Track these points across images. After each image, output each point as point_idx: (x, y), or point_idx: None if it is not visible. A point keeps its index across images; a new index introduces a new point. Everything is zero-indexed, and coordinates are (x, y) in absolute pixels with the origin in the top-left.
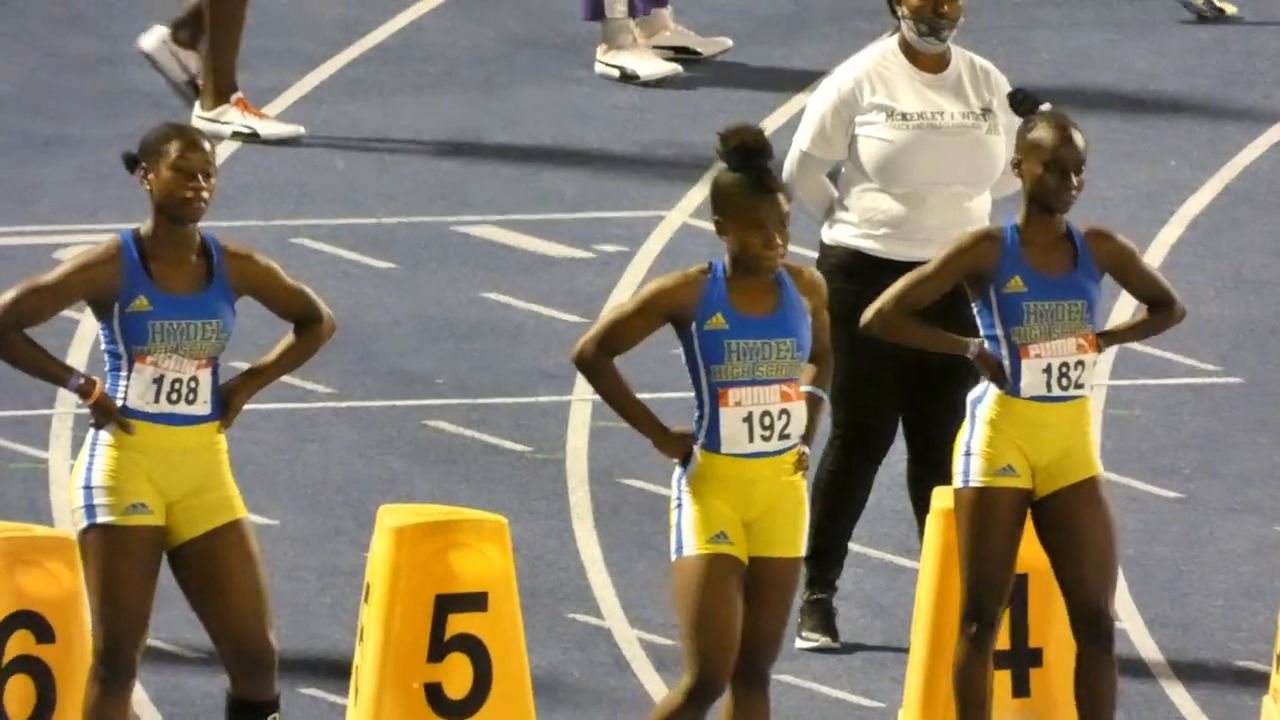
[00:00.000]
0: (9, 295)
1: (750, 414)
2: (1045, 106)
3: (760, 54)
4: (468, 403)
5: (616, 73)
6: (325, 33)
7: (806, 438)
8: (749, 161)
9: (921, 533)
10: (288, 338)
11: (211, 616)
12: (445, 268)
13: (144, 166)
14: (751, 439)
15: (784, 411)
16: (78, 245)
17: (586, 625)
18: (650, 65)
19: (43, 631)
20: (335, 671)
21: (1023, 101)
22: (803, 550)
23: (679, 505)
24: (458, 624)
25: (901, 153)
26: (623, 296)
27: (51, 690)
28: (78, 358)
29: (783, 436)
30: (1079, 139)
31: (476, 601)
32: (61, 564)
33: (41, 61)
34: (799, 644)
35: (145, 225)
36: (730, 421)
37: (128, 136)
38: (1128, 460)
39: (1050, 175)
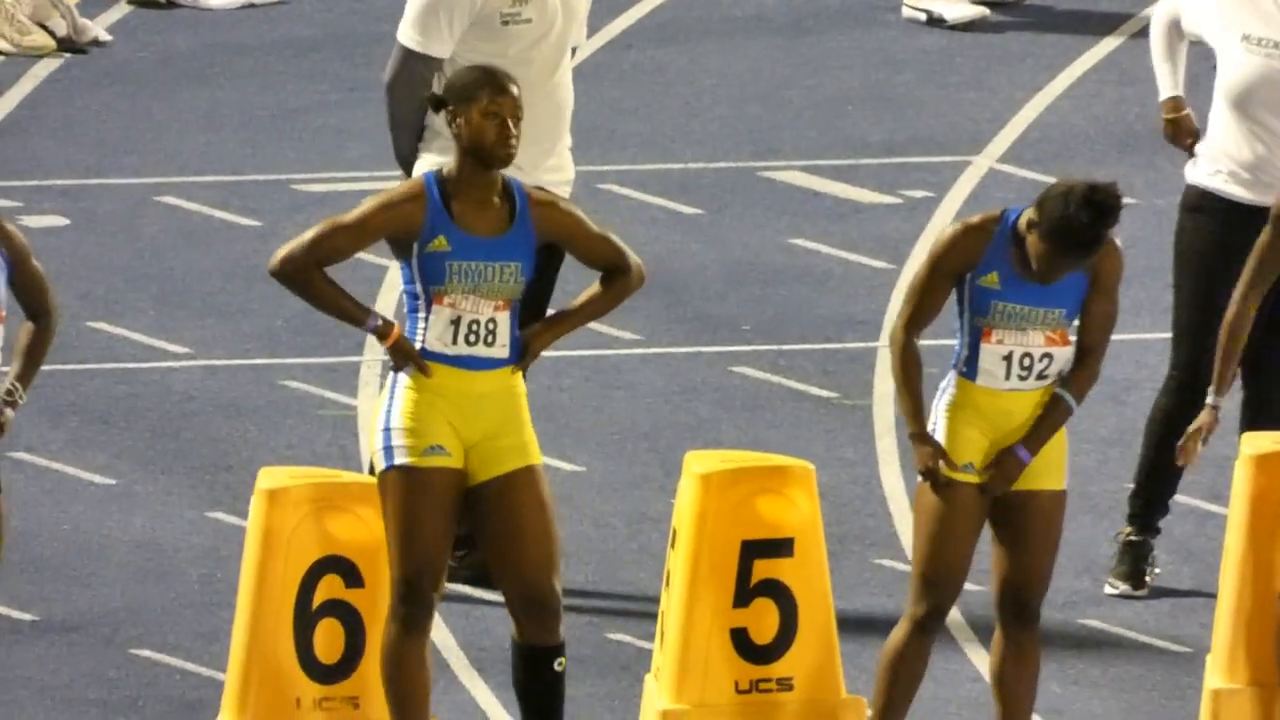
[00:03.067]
0: (311, 234)
1: (1011, 354)
2: None
3: None
4: (774, 348)
5: (923, 16)
6: None
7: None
8: (1100, 221)
9: None
10: (594, 285)
11: (499, 561)
12: (751, 213)
13: (451, 110)
14: (1009, 377)
15: (1045, 354)
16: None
17: (894, 570)
18: (957, 8)
19: (351, 576)
20: (642, 617)
21: None
22: (1064, 484)
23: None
24: (764, 569)
25: (1250, 81)
26: (928, 242)
27: (360, 634)
28: (385, 304)
29: (1040, 377)
30: None
31: (783, 547)
32: (370, 509)
33: (351, 7)
34: (1106, 589)
35: (449, 166)
36: (989, 357)
37: None
38: None
39: None
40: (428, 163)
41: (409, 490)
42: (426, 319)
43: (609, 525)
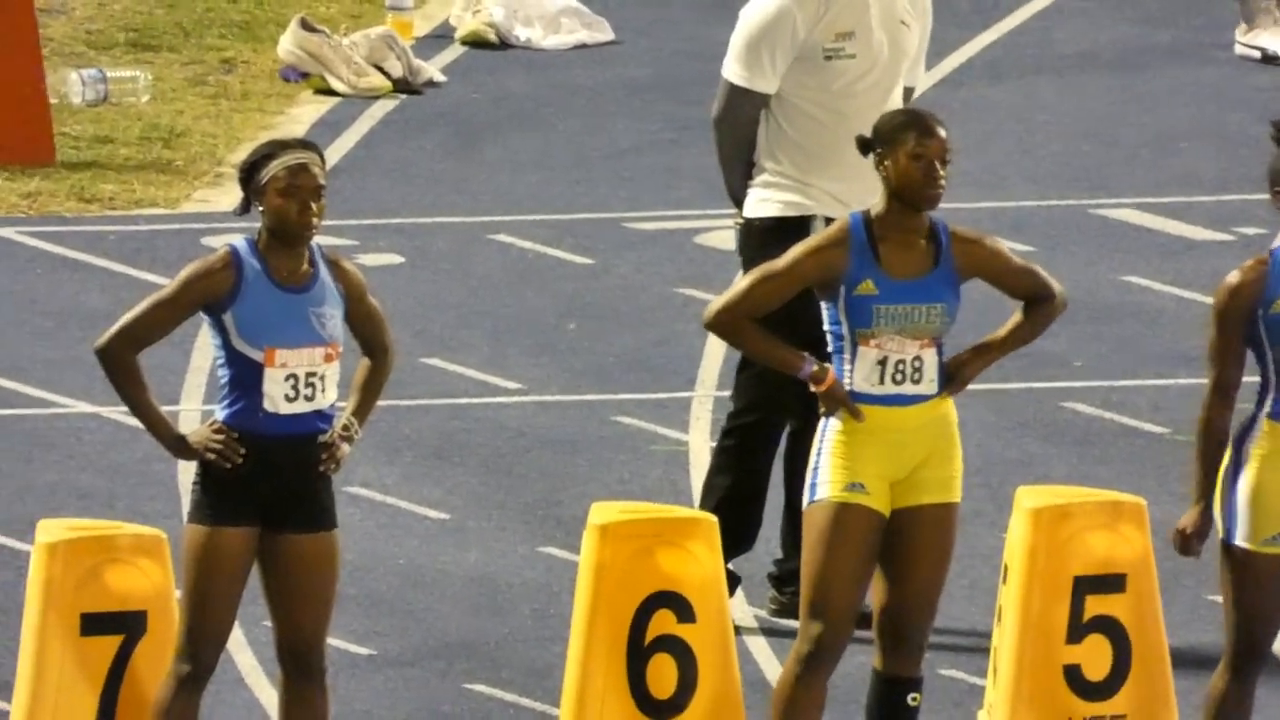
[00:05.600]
0: (742, 285)
1: None
2: None
3: None
4: (1106, 384)
5: (1257, 54)
6: (963, 16)
7: None
8: None
9: None
10: (1016, 314)
11: (881, 588)
12: (1084, 250)
13: (879, 153)
14: None
15: None
16: (720, 230)
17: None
18: None
19: (684, 612)
20: (974, 652)
21: None
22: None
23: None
24: (1096, 605)
25: None
26: None
27: (693, 669)
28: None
29: None
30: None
31: (1116, 583)
32: (702, 544)
33: (680, 48)
34: None
35: (876, 207)
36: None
37: None
38: None
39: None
40: (756, 198)
41: (826, 525)
42: (852, 361)
43: None
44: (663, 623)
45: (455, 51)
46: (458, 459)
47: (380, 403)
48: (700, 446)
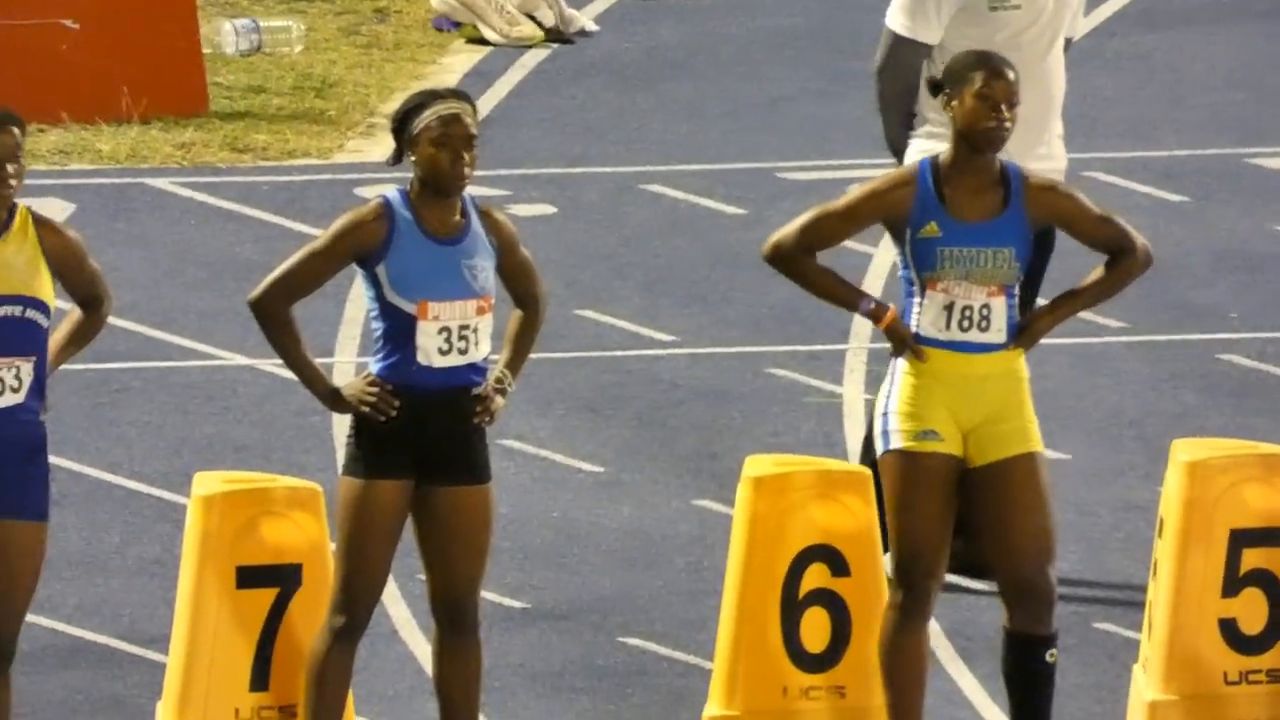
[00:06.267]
0: (801, 220)
1: None
2: None
3: None
4: (1262, 336)
5: None
6: None
7: None
8: None
9: None
10: (1098, 268)
11: (993, 547)
12: (1238, 200)
13: (947, 93)
14: None
15: None
16: (870, 179)
17: None
18: None
19: (838, 565)
20: (1129, 606)
21: None
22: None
23: None
24: (1254, 559)
25: None
26: None
27: (846, 624)
28: (873, 289)
29: None
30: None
31: (1273, 536)
32: (856, 498)
33: None
34: None
35: (945, 152)
36: None
37: None
38: None
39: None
40: (916, 149)
41: (904, 475)
42: (921, 304)
43: (1094, 513)
44: (816, 576)
45: (607, 1)
46: (611, 412)
47: (533, 355)
48: (854, 399)
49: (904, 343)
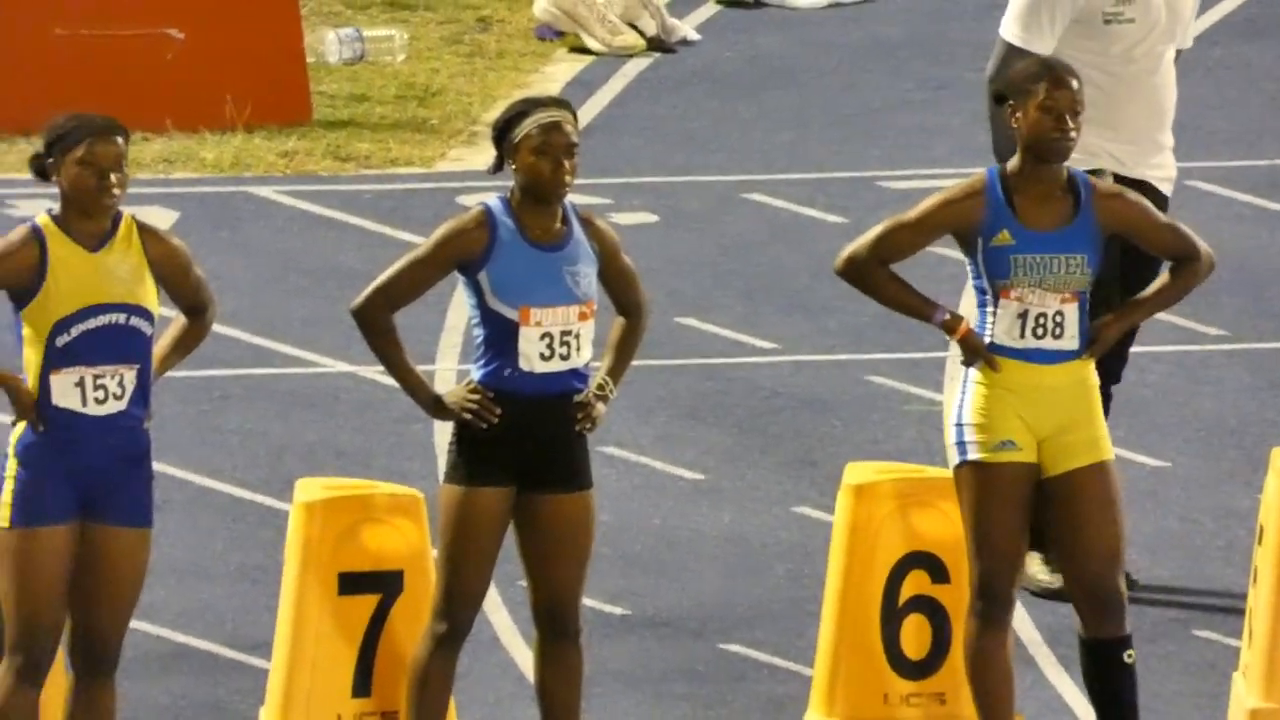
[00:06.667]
0: (874, 232)
1: None
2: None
3: None
4: None
5: None
6: None
7: None
8: None
9: None
10: (1163, 275)
11: (1064, 555)
12: None
13: (1012, 105)
14: None
15: None
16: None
17: None
18: None
19: (938, 572)
20: (1229, 613)
21: None
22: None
23: None
24: None
25: None
26: None
27: (947, 630)
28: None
29: None
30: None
31: None
32: (954, 505)
33: (936, 8)
34: None
35: (1011, 162)
36: None
37: None
38: None
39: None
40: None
41: (982, 486)
42: (994, 313)
43: (1195, 521)
44: (916, 583)
45: (709, 10)
46: (712, 419)
47: (634, 363)
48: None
49: (978, 353)
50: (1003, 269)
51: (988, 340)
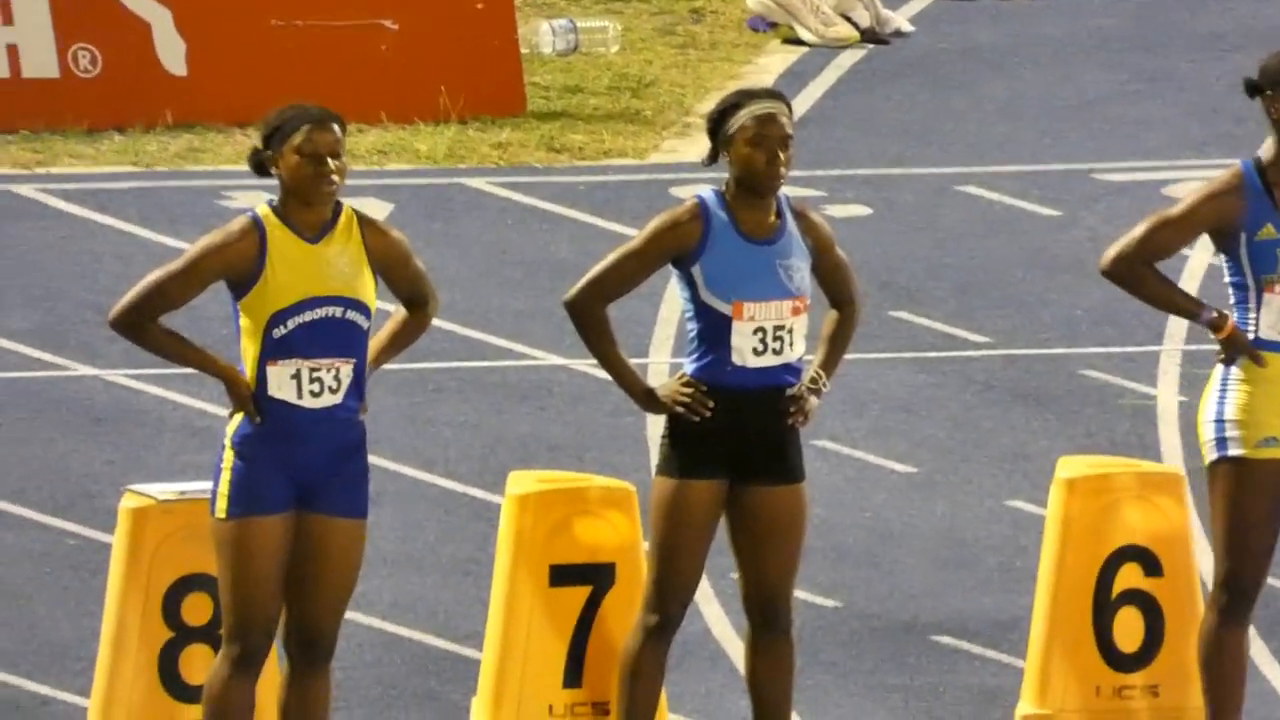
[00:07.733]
0: (1139, 231)
1: None
2: None
3: None
4: None
5: None
6: None
7: None
8: None
9: None
10: None
11: None
12: None
13: (1268, 95)
14: None
15: None
16: (1188, 181)
17: None
18: None
19: (1151, 566)
20: None
21: None
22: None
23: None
24: None
25: None
26: None
27: (1160, 624)
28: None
29: None
30: None
31: None
32: (1168, 498)
33: None
34: None
35: (1267, 152)
36: None
37: (1234, 73)
38: None
39: None
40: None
41: (1241, 481)
42: (1257, 308)
43: None
44: (1129, 576)
45: (924, 1)
46: (925, 412)
47: (847, 356)
48: (1168, 401)
49: (1243, 350)
50: (1269, 263)
51: (1251, 336)
